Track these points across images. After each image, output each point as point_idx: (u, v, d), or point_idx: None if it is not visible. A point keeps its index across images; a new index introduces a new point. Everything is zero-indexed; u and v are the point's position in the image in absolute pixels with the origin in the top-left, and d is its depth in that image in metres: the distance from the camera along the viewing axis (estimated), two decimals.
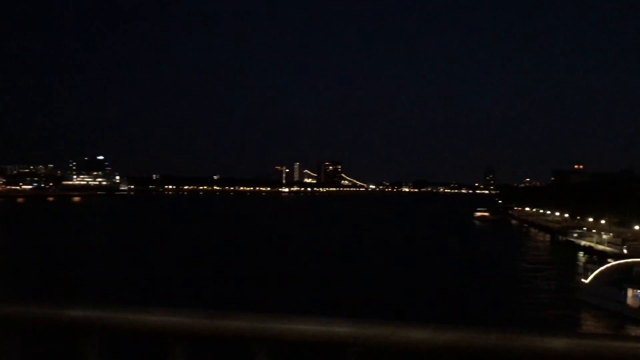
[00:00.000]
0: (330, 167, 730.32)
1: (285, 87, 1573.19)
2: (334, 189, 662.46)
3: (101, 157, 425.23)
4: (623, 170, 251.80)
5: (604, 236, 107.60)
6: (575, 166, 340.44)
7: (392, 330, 1.66)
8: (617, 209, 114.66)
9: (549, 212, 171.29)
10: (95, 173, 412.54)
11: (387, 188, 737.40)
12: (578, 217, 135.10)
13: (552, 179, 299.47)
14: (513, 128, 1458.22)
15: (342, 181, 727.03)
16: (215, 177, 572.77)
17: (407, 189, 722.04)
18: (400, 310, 48.55)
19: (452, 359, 1.64)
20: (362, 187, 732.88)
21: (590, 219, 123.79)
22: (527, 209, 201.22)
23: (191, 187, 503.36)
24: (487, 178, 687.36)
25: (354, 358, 1.71)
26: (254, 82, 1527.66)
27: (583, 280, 60.91)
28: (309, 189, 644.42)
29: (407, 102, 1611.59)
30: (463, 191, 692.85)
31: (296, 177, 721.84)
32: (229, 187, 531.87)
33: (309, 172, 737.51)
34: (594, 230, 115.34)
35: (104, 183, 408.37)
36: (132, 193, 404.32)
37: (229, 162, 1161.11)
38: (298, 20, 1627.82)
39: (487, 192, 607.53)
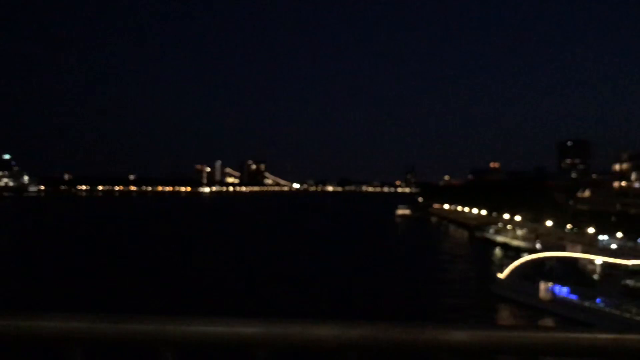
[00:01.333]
0: (254, 166, 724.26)
1: (205, 82, 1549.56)
2: (257, 188, 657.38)
3: (7, 156, 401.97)
4: (536, 168, 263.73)
5: (519, 232, 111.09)
6: (492, 164, 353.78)
7: (301, 329, 1.66)
8: (531, 205, 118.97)
9: (467, 209, 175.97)
10: (1, 173, 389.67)
11: (312, 187, 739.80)
12: (495, 214, 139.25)
13: (470, 177, 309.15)
14: (432, 127, 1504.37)
15: (266, 180, 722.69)
16: (131, 176, 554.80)
17: (331, 188, 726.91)
18: (316, 305, 47.35)
19: (360, 355, 1.66)
20: (286, 186, 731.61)
21: (506, 216, 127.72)
22: (447, 206, 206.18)
23: (106, 187, 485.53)
24: (408, 176, 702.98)
25: (263, 358, 1.69)
26: (172, 77, 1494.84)
27: (499, 274, 62.01)
28: (231, 188, 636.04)
29: (330, 100, 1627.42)
30: (385, 189, 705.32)
31: (217, 176, 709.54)
32: (147, 186, 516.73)
33: (231, 170, 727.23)
34: (509, 227, 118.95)
35: (11, 184, 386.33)
36: (42, 194, 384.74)
37: (147, 160, 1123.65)
38: (217, 16, 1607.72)
39: (408, 190, 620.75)
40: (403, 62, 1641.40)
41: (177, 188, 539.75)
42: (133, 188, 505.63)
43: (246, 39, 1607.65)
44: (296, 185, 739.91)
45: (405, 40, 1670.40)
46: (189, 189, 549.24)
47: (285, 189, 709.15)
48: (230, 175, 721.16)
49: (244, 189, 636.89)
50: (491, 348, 1.64)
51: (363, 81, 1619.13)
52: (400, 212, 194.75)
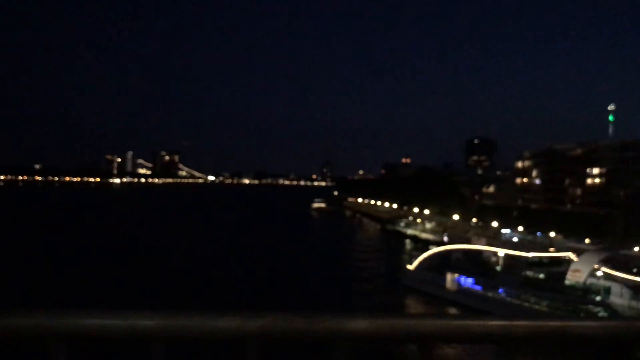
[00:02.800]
0: (167, 157, 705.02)
1: (117, 70, 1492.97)
2: (171, 180, 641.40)
3: None
4: (445, 164, 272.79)
5: (427, 225, 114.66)
6: (403, 159, 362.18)
7: (201, 321, 1.64)
8: (439, 200, 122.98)
9: (379, 203, 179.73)
10: None
11: (227, 179, 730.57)
12: (405, 208, 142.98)
13: (383, 171, 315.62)
14: (348, 122, 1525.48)
15: (180, 172, 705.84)
16: (36, 166, 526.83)
17: (247, 181, 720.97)
18: (220, 299, 47.00)
19: (261, 345, 1.66)
20: (201, 178, 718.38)
21: (416, 210, 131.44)
22: (360, 200, 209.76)
23: (9, 176, 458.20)
24: (324, 170, 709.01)
25: (160, 351, 1.65)
26: (82, 64, 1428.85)
27: (408, 266, 63.63)
28: (142, 179, 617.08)
29: (245, 93, 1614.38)
30: (302, 183, 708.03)
31: (129, 167, 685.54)
32: (53, 177, 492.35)
33: (143, 161, 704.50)
34: (418, 220, 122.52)
35: None
36: None
37: (54, 150, 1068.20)
38: (129, 4, 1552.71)
39: (324, 183, 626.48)
40: (319, 58, 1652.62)
41: (85, 178, 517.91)
42: (38, 178, 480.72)
43: (160, 29, 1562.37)
44: (211, 178, 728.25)
45: (321, 36, 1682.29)
46: (98, 179, 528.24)
47: (200, 181, 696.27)
48: (143, 166, 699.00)
49: (156, 180, 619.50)
50: (390, 336, 1.68)
51: (280, 75, 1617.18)
52: (315, 205, 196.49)
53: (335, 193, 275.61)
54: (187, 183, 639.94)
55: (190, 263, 68.20)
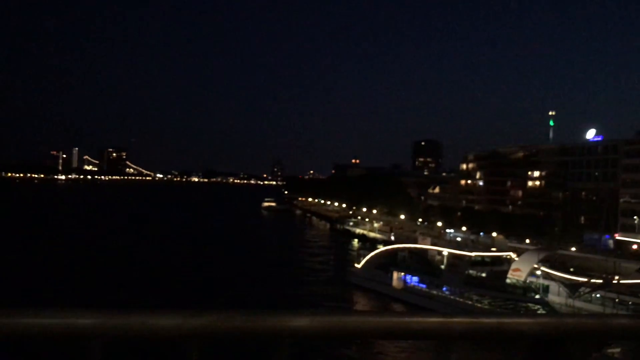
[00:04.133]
0: (114, 154, 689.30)
1: (63, 64, 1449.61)
2: (118, 177, 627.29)
3: None
4: (393, 165, 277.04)
5: (375, 224, 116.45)
6: (353, 160, 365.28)
7: (140, 319, 1.61)
8: (387, 200, 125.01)
9: (329, 202, 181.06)
10: None
11: (176, 177, 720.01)
12: (354, 207, 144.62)
13: (333, 172, 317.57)
14: (299, 122, 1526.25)
15: (127, 169, 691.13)
16: None
17: (196, 179, 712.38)
18: (163, 297, 46.88)
19: (201, 343, 1.64)
20: (149, 175, 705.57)
21: (364, 209, 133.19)
22: (310, 199, 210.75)
23: None
24: (275, 170, 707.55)
25: (99, 350, 1.60)
26: (28, 55, 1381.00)
27: (356, 264, 64.71)
28: (89, 176, 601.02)
29: (195, 90, 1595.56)
30: (252, 182, 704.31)
31: (75, 163, 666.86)
32: None
33: (89, 158, 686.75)
34: (367, 219, 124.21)
35: None
36: None
37: None
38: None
39: (274, 183, 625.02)
40: (270, 59, 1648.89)
41: (29, 175, 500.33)
42: None
43: (109, 24, 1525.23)
44: (159, 175, 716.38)
45: (271, 36, 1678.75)
46: (42, 176, 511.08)
47: (148, 179, 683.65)
48: (89, 163, 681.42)
49: (103, 177, 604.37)
50: (331, 333, 1.70)
51: (230, 73, 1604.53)
52: (266, 204, 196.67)
53: (286, 192, 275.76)
54: (135, 180, 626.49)
55: (137, 263, 67.43)
